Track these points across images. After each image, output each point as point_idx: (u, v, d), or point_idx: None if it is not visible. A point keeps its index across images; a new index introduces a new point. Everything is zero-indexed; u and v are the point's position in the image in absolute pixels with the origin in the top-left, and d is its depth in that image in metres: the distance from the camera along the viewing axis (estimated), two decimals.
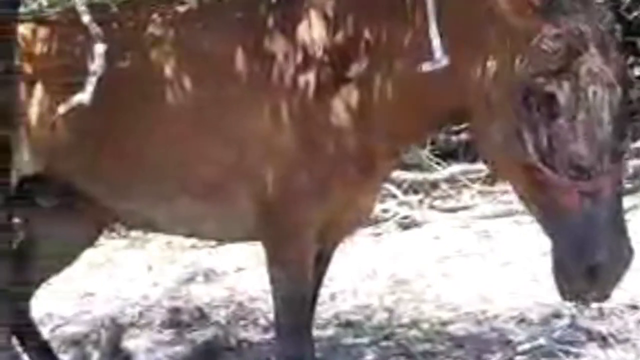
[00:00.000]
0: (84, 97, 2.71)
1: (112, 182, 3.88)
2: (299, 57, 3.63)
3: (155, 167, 3.80)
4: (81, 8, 2.74)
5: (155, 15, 3.81)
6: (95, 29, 2.74)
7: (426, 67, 3.02)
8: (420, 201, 7.18)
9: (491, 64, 3.25)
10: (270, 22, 3.69)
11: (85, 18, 2.74)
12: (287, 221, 3.71)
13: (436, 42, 2.86)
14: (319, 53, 3.60)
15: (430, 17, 2.91)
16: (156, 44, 3.79)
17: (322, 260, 3.94)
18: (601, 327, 4.84)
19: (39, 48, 3.92)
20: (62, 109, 2.73)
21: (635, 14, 7.56)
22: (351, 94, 3.59)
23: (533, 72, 3.10)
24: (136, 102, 3.77)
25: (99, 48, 2.72)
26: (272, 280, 3.79)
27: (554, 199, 3.11)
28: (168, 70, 3.75)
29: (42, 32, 3.93)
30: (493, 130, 3.25)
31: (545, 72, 3.08)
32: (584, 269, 3.08)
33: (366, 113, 3.59)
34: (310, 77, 3.61)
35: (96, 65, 2.71)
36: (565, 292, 3.17)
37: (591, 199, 3.06)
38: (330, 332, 5.19)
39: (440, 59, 2.89)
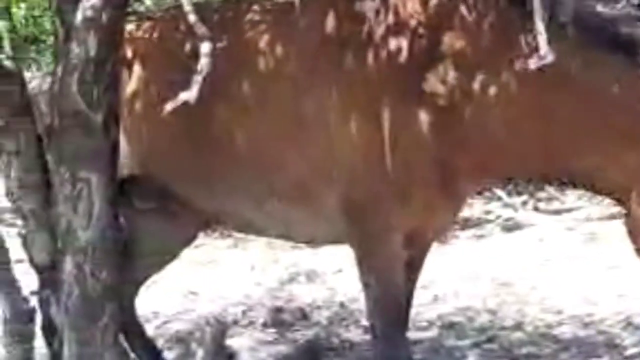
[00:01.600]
0: (189, 95, 2.74)
1: (208, 183, 3.90)
2: (388, 60, 3.60)
3: (248, 169, 3.81)
4: (187, 8, 2.78)
5: (252, 16, 3.81)
6: (201, 29, 2.77)
7: (532, 64, 2.98)
8: (524, 203, 7.08)
9: None
10: (362, 17, 3.65)
11: (192, 18, 2.77)
12: (374, 225, 3.69)
13: (542, 38, 2.81)
14: (409, 55, 3.57)
15: (536, 13, 2.86)
16: (253, 43, 3.78)
17: (414, 266, 3.90)
18: None
19: (143, 47, 3.98)
20: (168, 107, 2.76)
21: None
22: (444, 100, 3.55)
23: None
24: (231, 104, 3.79)
25: (205, 47, 2.75)
26: (363, 284, 3.77)
27: None
28: (264, 71, 3.76)
29: (147, 30, 3.99)
30: None
31: None
32: None
33: (456, 121, 3.54)
34: (400, 79, 3.57)
35: (202, 64, 2.75)
36: None
37: None
38: (432, 333, 5.16)
39: (546, 55, 2.84)
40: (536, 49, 2.91)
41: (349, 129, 3.61)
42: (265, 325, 5.41)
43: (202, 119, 3.73)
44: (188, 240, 4.41)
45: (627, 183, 3.46)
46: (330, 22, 3.70)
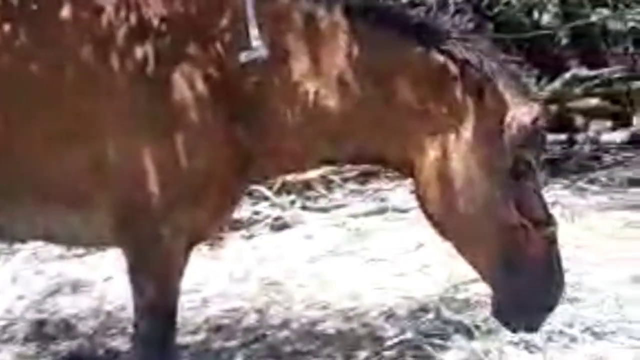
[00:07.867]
0: None
1: None
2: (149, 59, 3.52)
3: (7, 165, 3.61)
4: None
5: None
6: None
7: (243, 57, 2.95)
8: (293, 202, 7.13)
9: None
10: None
11: None
12: (155, 229, 3.59)
13: (254, 31, 2.79)
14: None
15: (248, 9, 2.83)
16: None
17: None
18: (466, 319, 4.89)
19: None
20: None
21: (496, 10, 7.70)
22: (223, 93, 3.44)
23: None
24: None
25: None
26: (137, 290, 3.67)
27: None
28: (29, 65, 3.57)
29: None
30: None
31: None
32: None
33: (244, 110, 3.48)
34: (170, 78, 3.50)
35: None
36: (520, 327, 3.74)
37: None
38: (200, 337, 5.13)
39: (258, 48, 2.82)
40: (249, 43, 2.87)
41: (126, 132, 3.50)
42: (26, 339, 5.22)
43: None
44: None
45: (410, 157, 3.57)
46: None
